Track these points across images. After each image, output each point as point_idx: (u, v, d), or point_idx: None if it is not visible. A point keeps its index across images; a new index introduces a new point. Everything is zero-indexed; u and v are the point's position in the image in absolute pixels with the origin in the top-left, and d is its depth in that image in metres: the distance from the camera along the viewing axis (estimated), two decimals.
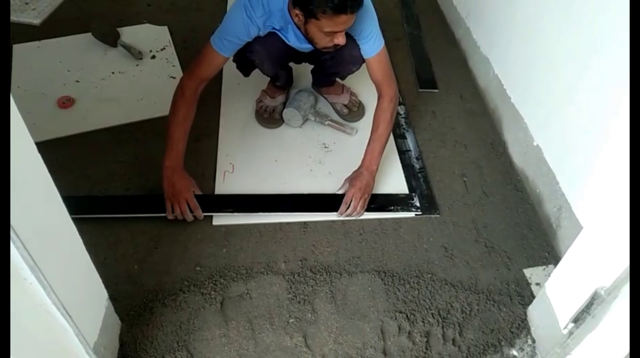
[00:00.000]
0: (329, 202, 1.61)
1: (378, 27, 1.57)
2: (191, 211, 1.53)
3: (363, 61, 1.64)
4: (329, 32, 1.40)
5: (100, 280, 1.16)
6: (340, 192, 1.61)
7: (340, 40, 1.43)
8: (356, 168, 1.62)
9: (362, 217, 1.59)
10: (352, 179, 1.59)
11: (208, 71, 1.57)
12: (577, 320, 1.12)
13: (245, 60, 1.65)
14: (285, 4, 1.44)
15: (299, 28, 1.48)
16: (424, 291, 1.40)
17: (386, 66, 1.63)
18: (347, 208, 1.55)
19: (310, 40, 1.48)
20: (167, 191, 1.52)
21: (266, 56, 1.61)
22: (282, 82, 1.86)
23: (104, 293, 1.19)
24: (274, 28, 1.54)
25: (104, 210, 1.56)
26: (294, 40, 1.56)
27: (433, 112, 1.97)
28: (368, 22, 1.52)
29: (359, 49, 1.58)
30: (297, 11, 1.39)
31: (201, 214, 1.54)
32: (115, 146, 1.78)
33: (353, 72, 1.75)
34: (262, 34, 1.53)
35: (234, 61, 1.71)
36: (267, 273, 1.43)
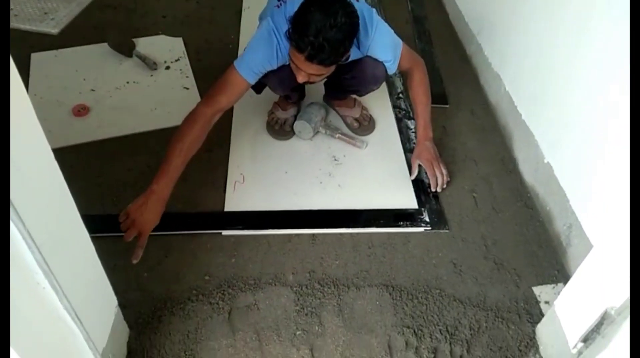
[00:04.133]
0: (338, 217, 1.62)
1: (396, 47, 1.61)
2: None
3: (384, 79, 1.68)
4: (293, 62, 1.42)
5: (110, 287, 1.17)
6: (414, 175, 1.72)
7: (299, 77, 1.46)
8: (417, 144, 1.72)
9: (372, 230, 1.59)
10: (420, 154, 1.69)
11: (229, 97, 1.53)
12: (586, 339, 1.11)
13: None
14: None
15: None
16: (432, 307, 1.40)
17: (409, 55, 1.69)
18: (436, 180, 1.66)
19: None
20: (136, 206, 1.40)
21: (279, 82, 1.64)
22: (294, 99, 1.89)
23: (113, 300, 1.20)
24: None
25: (116, 229, 1.50)
26: None
27: (444, 128, 1.98)
28: (384, 51, 1.58)
29: (381, 68, 1.61)
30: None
31: (139, 255, 1.39)
32: (127, 155, 1.80)
33: (373, 90, 1.78)
34: (287, 62, 1.53)
35: None
36: (275, 285, 1.43)
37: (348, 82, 1.71)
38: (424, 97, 1.71)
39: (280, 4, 1.51)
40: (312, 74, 1.44)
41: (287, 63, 1.53)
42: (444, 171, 1.67)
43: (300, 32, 1.32)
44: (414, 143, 1.91)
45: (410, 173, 1.73)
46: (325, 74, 1.47)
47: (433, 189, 1.68)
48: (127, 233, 1.39)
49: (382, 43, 1.56)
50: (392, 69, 1.63)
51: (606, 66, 1.37)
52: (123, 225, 1.41)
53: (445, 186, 1.69)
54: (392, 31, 1.60)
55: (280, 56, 1.50)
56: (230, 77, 1.51)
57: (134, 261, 1.39)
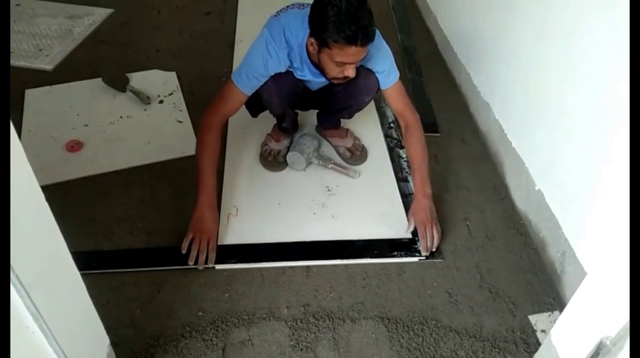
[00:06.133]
0: (332, 248, 1.62)
1: (392, 61, 1.65)
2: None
3: (376, 91, 1.69)
4: (339, 62, 1.44)
5: (102, 326, 1.16)
6: (410, 229, 1.65)
7: (350, 72, 1.48)
8: (414, 200, 1.68)
9: (366, 261, 1.59)
10: (415, 214, 1.63)
11: (230, 108, 1.64)
12: None
13: (254, 96, 1.65)
14: (304, 39, 1.49)
15: (310, 59, 1.52)
16: (429, 339, 1.39)
17: (404, 95, 1.72)
18: (426, 240, 1.59)
19: (322, 71, 1.53)
20: (194, 224, 1.56)
21: (275, 92, 1.63)
22: (287, 124, 1.90)
23: (105, 340, 1.18)
24: (292, 66, 1.58)
25: (109, 265, 1.55)
26: (310, 75, 1.60)
27: (435, 156, 2.00)
28: (382, 59, 1.61)
29: (374, 79, 1.63)
30: (312, 39, 1.44)
31: (213, 258, 1.54)
32: (121, 189, 1.80)
33: (366, 104, 1.79)
34: (283, 69, 1.57)
35: None
36: (269, 319, 1.42)
37: (341, 95, 1.71)
38: (420, 152, 1.69)
39: (278, 14, 1.56)
40: (358, 62, 1.48)
41: (282, 71, 1.57)
42: (436, 235, 1.59)
43: (342, 28, 1.34)
44: (407, 172, 1.93)
45: (408, 226, 1.66)
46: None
47: (423, 253, 1.59)
48: (199, 253, 1.52)
49: (379, 51, 1.59)
50: (384, 83, 1.65)
51: (595, 92, 1.40)
52: (193, 247, 1.53)
53: (434, 249, 1.60)
54: (391, 54, 1.65)
55: (274, 61, 1.53)
56: (228, 90, 1.60)
57: (210, 264, 1.53)
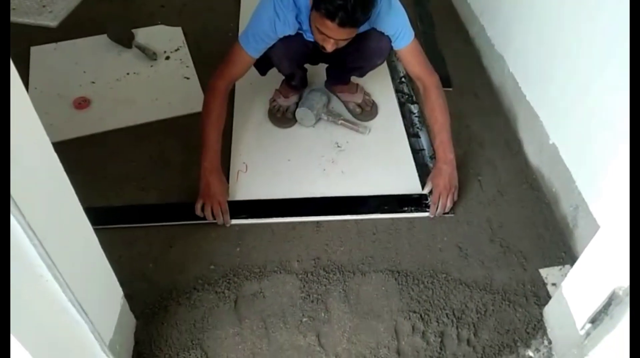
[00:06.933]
0: (342, 204, 1.61)
1: (405, 23, 1.58)
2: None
3: (388, 53, 1.64)
4: (319, 30, 1.40)
5: (115, 278, 1.17)
6: (426, 191, 1.62)
7: (328, 46, 1.44)
8: (434, 166, 1.63)
9: (375, 216, 1.58)
10: (434, 179, 1.59)
11: (237, 71, 1.60)
12: (594, 320, 1.10)
13: (263, 57, 1.62)
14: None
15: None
16: (438, 291, 1.39)
17: (421, 56, 1.65)
18: (437, 208, 1.56)
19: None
20: (203, 191, 1.54)
21: (285, 54, 1.60)
22: (296, 82, 1.86)
23: (119, 291, 1.20)
24: (301, 28, 1.53)
25: (121, 221, 1.56)
26: None
27: None
28: (392, 22, 1.55)
29: (386, 41, 1.58)
30: None
31: (229, 220, 1.55)
32: (130, 146, 1.80)
33: (377, 65, 1.74)
34: (292, 32, 1.52)
35: None
36: (281, 272, 1.43)
37: (352, 57, 1.66)
38: (440, 117, 1.62)
39: None
40: (340, 40, 1.43)
41: (291, 33, 1.52)
42: (448, 204, 1.56)
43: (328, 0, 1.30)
44: (418, 127, 1.90)
45: (426, 186, 1.63)
46: (353, 36, 1.44)
47: (431, 216, 1.57)
48: (215, 216, 1.53)
49: (389, 13, 1.53)
50: (397, 44, 1.59)
51: (611, 44, 1.35)
52: (207, 213, 1.53)
53: (446, 211, 1.57)
54: (405, 13, 1.58)
55: (281, 23, 1.49)
56: (235, 53, 1.57)
57: (227, 225, 1.55)
